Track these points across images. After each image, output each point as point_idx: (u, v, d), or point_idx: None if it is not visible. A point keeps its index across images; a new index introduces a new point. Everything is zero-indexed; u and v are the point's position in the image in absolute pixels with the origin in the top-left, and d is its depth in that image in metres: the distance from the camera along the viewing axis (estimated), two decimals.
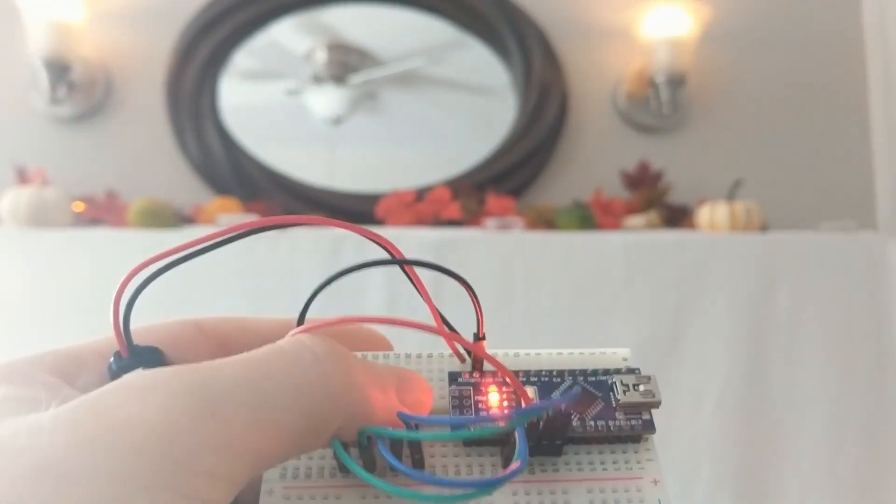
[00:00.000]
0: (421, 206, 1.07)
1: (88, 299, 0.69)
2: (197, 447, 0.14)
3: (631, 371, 0.21)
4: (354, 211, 1.11)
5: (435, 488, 0.18)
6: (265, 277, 0.91)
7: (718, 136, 1.24)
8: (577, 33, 1.24)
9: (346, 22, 1.24)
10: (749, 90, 1.26)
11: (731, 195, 1.05)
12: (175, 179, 1.15)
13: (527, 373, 0.21)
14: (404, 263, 0.20)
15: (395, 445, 0.18)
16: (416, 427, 0.18)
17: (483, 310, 0.21)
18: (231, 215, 1.00)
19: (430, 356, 0.22)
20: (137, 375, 0.15)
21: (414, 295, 0.21)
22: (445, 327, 0.21)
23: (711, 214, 1.04)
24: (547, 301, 0.93)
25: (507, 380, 0.19)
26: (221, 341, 0.21)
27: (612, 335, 0.91)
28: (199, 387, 0.14)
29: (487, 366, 0.21)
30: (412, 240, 0.94)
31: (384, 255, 0.20)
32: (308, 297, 0.19)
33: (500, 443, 0.19)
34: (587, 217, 1.05)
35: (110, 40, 1.17)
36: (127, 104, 1.17)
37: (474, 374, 0.21)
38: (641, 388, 0.20)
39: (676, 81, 1.19)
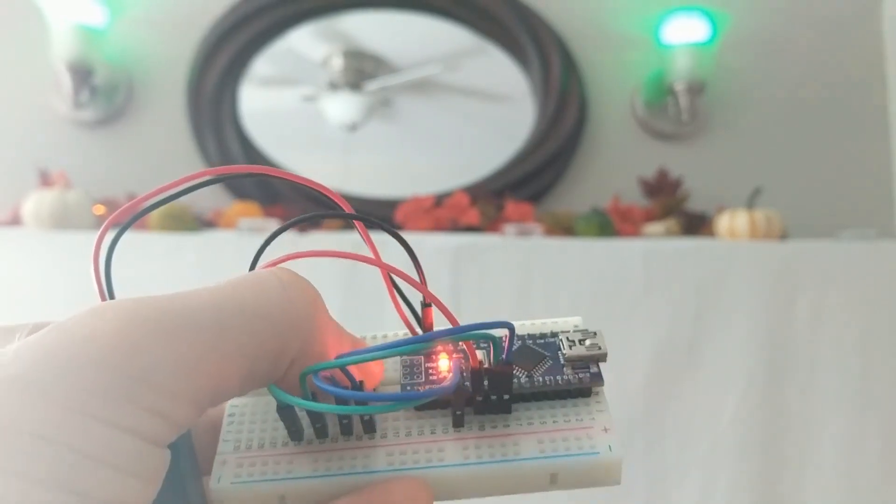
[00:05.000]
0: (439, 212, 1.07)
1: None
2: (155, 365, 0.14)
3: (578, 330, 0.21)
4: (371, 215, 1.11)
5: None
6: None
7: (738, 143, 1.24)
8: (596, 40, 1.24)
9: (362, 29, 1.24)
10: (768, 97, 1.25)
11: (750, 203, 1.05)
12: None
13: (476, 341, 0.21)
14: (352, 218, 0.20)
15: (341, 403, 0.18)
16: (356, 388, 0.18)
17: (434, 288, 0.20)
18: (251, 219, 1.00)
19: (384, 336, 0.22)
20: (102, 302, 0.15)
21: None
22: (400, 298, 0.21)
23: (731, 222, 1.03)
24: (565, 307, 0.93)
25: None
26: None
27: (630, 342, 0.91)
28: (161, 311, 0.15)
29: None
30: (430, 245, 0.94)
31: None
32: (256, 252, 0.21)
33: (447, 405, 0.19)
34: (606, 224, 1.04)
35: (133, 45, 1.18)
36: (148, 109, 1.18)
37: None
38: (587, 342, 0.20)
39: (696, 89, 1.19)
